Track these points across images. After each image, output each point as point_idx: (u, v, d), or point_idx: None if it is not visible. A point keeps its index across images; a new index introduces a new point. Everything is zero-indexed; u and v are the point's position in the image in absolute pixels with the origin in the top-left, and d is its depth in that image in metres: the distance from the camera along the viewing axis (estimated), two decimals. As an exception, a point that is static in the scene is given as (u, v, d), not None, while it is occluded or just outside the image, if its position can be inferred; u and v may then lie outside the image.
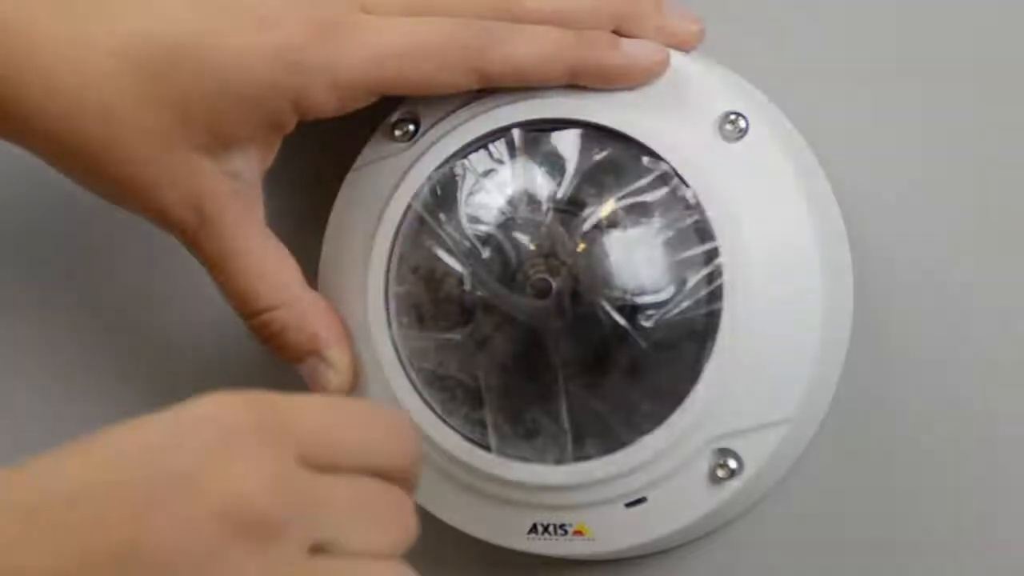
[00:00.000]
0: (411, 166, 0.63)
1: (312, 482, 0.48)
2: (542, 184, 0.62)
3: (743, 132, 0.61)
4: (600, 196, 0.61)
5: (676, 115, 0.61)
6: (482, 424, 0.62)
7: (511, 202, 0.62)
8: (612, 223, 0.61)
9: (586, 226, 0.61)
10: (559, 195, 0.61)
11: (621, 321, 0.60)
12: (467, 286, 0.61)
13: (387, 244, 0.63)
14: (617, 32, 0.61)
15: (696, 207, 0.60)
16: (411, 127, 0.64)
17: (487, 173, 0.62)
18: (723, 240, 0.60)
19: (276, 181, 0.67)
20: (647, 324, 0.60)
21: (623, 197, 0.61)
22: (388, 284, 0.63)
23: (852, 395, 0.64)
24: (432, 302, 0.62)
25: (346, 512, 0.49)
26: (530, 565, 0.66)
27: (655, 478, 0.61)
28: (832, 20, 0.64)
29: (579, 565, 0.67)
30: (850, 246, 0.64)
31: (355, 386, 0.63)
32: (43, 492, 0.46)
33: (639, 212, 0.61)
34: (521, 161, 0.62)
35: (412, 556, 0.69)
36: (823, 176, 0.64)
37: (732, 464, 0.61)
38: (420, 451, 0.53)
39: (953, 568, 0.65)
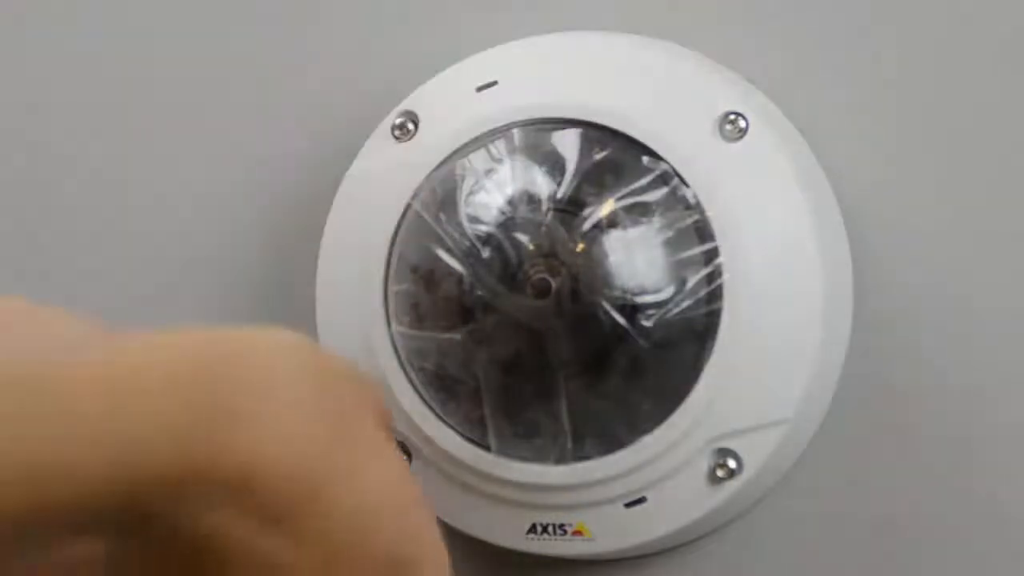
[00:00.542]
0: (410, 165, 0.63)
1: None
2: (542, 184, 0.61)
3: (743, 132, 0.61)
4: (600, 196, 0.61)
5: (676, 115, 0.61)
6: (482, 424, 0.61)
7: (511, 202, 0.62)
8: (612, 223, 0.61)
9: (586, 226, 0.61)
10: (559, 195, 0.61)
11: (621, 321, 0.60)
12: (467, 286, 0.61)
13: (386, 243, 0.63)
14: None
15: (696, 207, 0.60)
16: (411, 127, 0.64)
17: (487, 173, 0.62)
18: (723, 240, 0.60)
19: (275, 180, 0.67)
20: (647, 324, 0.60)
21: (623, 197, 0.61)
22: (387, 283, 0.63)
23: (852, 395, 0.64)
24: (432, 301, 0.62)
25: None
26: (529, 565, 0.66)
27: (655, 478, 0.61)
28: (832, 20, 0.64)
29: (578, 565, 0.67)
30: (850, 246, 0.64)
31: None
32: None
33: (639, 212, 0.61)
34: (521, 161, 0.62)
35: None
36: (823, 176, 0.64)
37: (732, 464, 0.61)
38: None
39: (953, 568, 0.65)
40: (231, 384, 0.44)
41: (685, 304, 0.60)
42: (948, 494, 0.64)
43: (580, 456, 0.61)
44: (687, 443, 0.60)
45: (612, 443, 0.61)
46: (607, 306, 0.60)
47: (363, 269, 0.63)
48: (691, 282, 0.60)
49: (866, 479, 0.65)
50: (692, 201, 0.60)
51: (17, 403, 0.42)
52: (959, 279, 0.64)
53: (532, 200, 0.61)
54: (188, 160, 0.71)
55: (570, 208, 0.61)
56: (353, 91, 0.68)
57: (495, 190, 0.62)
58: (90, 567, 0.46)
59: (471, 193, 0.62)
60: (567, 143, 0.62)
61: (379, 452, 0.47)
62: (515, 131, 0.62)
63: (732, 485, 0.61)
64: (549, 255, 0.61)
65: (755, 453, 0.61)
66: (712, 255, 0.60)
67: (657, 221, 0.60)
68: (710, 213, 0.60)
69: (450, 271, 0.62)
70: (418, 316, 0.62)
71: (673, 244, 0.60)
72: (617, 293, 0.60)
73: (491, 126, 0.62)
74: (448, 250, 0.62)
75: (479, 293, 0.61)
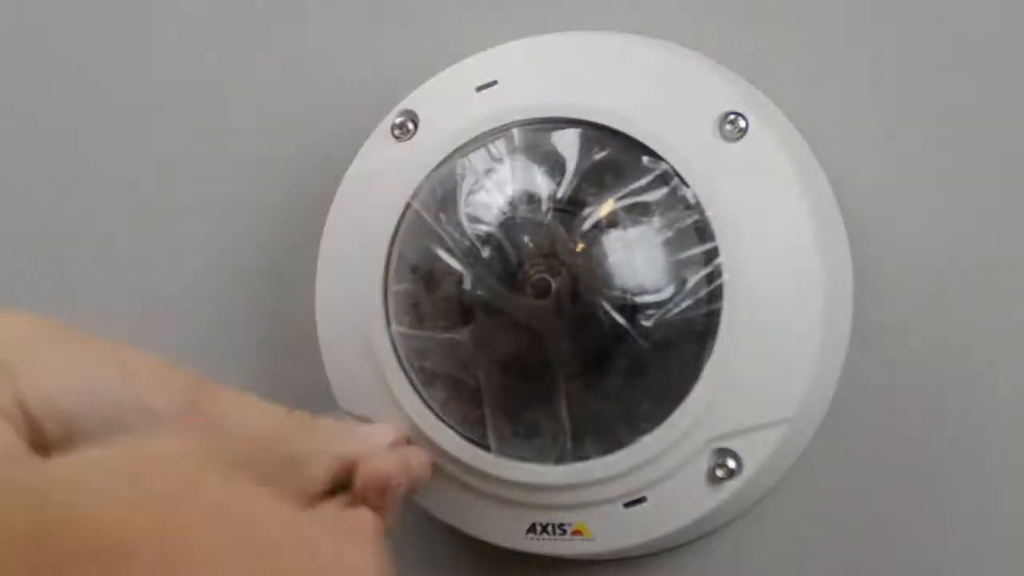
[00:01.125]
0: (410, 165, 0.63)
1: None
2: (542, 183, 0.61)
3: (743, 132, 0.61)
4: (600, 196, 0.61)
5: (676, 115, 0.61)
6: (481, 424, 0.61)
7: (511, 201, 0.62)
8: (612, 223, 0.61)
9: (586, 226, 0.61)
10: (559, 195, 0.61)
11: (621, 321, 0.60)
12: (467, 285, 0.61)
13: (386, 243, 0.63)
14: None
15: (696, 207, 0.60)
16: (411, 126, 0.64)
17: (487, 172, 0.62)
18: (723, 240, 0.60)
19: (275, 180, 0.67)
20: (647, 324, 0.60)
21: (623, 197, 0.61)
22: (387, 283, 0.63)
23: (852, 395, 0.64)
24: (431, 301, 0.62)
25: None
26: (529, 565, 0.66)
27: (654, 478, 0.61)
28: (832, 20, 0.64)
29: (578, 565, 0.67)
30: (850, 246, 0.64)
31: None
32: None
33: (639, 212, 0.61)
34: (521, 160, 0.62)
35: (411, 555, 0.69)
36: (823, 176, 0.64)
37: (731, 464, 0.61)
38: None
39: (953, 567, 0.65)
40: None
41: (685, 304, 0.60)
42: (948, 494, 0.64)
43: (580, 456, 0.61)
44: (687, 443, 0.60)
45: (612, 443, 0.61)
46: (607, 306, 0.60)
47: (363, 269, 0.63)
48: (691, 282, 0.60)
49: (866, 479, 0.65)
50: (692, 201, 0.60)
51: None
52: (959, 279, 0.64)
53: (532, 200, 0.61)
54: (187, 160, 0.71)
55: (570, 208, 0.61)
56: (353, 91, 0.69)
57: (495, 190, 0.62)
58: None
59: (471, 193, 0.62)
60: (567, 143, 0.62)
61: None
62: (515, 131, 0.62)
63: (732, 485, 0.61)
64: (549, 255, 0.61)
65: (755, 453, 0.61)
66: (712, 255, 0.60)
67: (657, 221, 0.60)
68: (710, 213, 0.60)
69: (450, 271, 0.61)
70: (418, 316, 0.62)
71: (673, 244, 0.60)
72: (617, 293, 0.60)
73: (491, 126, 0.62)
74: (448, 250, 0.62)
75: (479, 293, 0.61)
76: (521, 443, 0.61)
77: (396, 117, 0.64)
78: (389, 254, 0.63)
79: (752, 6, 0.65)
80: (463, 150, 0.62)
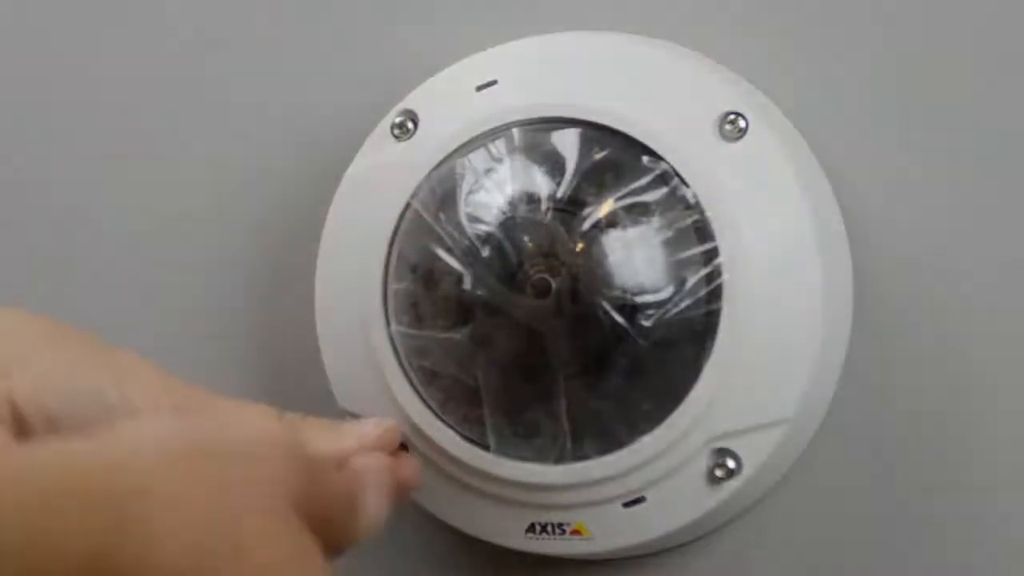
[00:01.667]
0: (410, 165, 0.63)
1: None
2: (542, 183, 0.61)
3: (743, 132, 0.61)
4: (600, 195, 0.61)
5: (676, 115, 0.61)
6: (481, 423, 0.61)
7: (511, 201, 0.62)
8: (612, 222, 0.61)
9: (586, 225, 0.61)
10: (559, 194, 0.61)
11: (620, 321, 0.60)
12: (466, 285, 0.61)
13: (386, 242, 0.63)
14: None
15: (696, 207, 0.60)
16: (411, 126, 0.64)
17: (487, 172, 0.62)
18: (722, 240, 0.60)
19: (275, 179, 0.67)
20: (646, 324, 0.60)
21: (623, 196, 0.61)
22: (387, 282, 0.63)
23: (852, 395, 0.64)
24: (431, 301, 0.62)
25: None
26: (528, 564, 0.66)
27: (654, 478, 0.61)
28: (832, 20, 0.64)
29: (577, 565, 0.67)
30: (850, 246, 0.64)
31: None
32: None
33: (639, 212, 0.61)
34: (521, 160, 0.62)
35: (411, 554, 0.69)
36: (823, 176, 0.64)
37: (731, 464, 0.61)
38: None
39: (953, 568, 0.65)
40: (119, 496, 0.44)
41: (684, 304, 0.60)
42: (948, 494, 0.64)
43: (579, 456, 0.61)
44: (686, 443, 0.60)
45: (611, 443, 0.61)
46: (607, 306, 0.60)
47: (362, 268, 0.63)
48: (690, 282, 0.60)
49: (866, 479, 0.65)
50: (692, 201, 0.60)
51: None
52: (959, 279, 0.64)
53: (532, 200, 0.61)
54: (187, 160, 0.71)
55: (570, 208, 0.61)
56: (353, 90, 0.69)
57: (495, 189, 0.62)
58: None
59: (471, 192, 0.62)
60: (567, 143, 0.62)
61: (267, 532, 0.46)
62: (515, 130, 0.62)
63: (731, 485, 0.61)
64: (549, 255, 0.61)
65: (755, 453, 0.61)
66: (712, 255, 0.60)
67: (657, 221, 0.60)
68: (710, 213, 0.60)
69: (449, 270, 0.62)
70: (417, 315, 0.62)
71: (673, 244, 0.60)
72: (617, 293, 0.60)
73: (491, 125, 0.62)
74: (448, 249, 0.62)
75: (479, 293, 0.61)
76: (520, 443, 0.61)
77: (396, 117, 0.64)
78: (389, 254, 0.63)
79: (752, 6, 0.65)
80: (463, 150, 0.62)
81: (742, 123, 0.61)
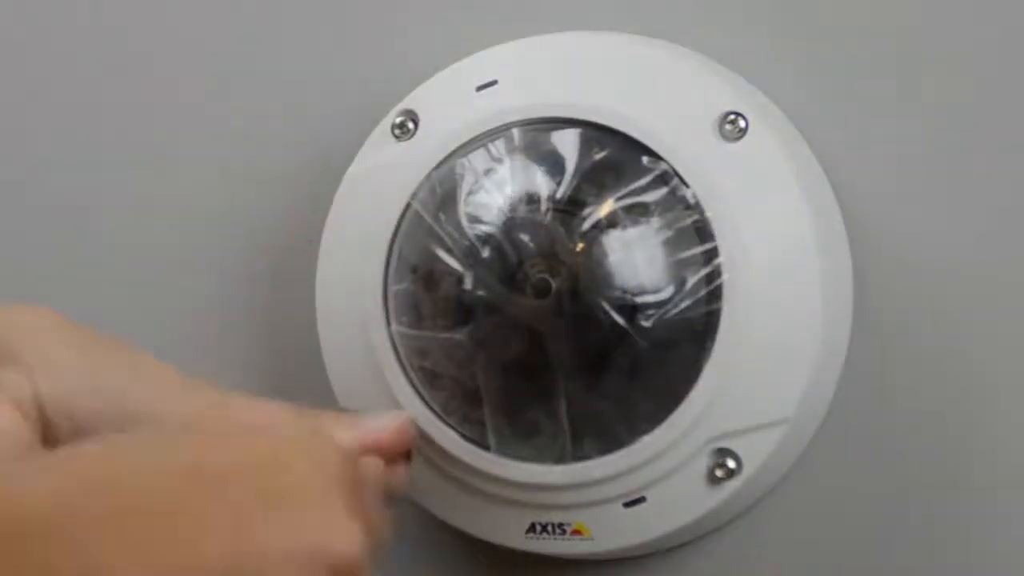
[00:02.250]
0: (410, 165, 0.63)
1: None
2: (542, 183, 0.61)
3: (743, 132, 0.61)
4: (600, 196, 0.61)
5: (676, 115, 0.61)
6: (481, 423, 0.61)
7: (511, 201, 0.62)
8: (612, 223, 0.61)
9: (586, 226, 0.61)
10: (559, 195, 0.61)
11: (620, 321, 0.60)
12: (466, 285, 0.61)
13: (386, 242, 0.62)
14: None
15: (696, 207, 0.60)
16: (411, 125, 0.64)
17: (487, 172, 0.62)
18: (722, 240, 0.60)
19: (275, 180, 0.67)
20: (646, 324, 0.60)
21: (622, 197, 0.61)
22: (387, 282, 0.63)
23: (852, 395, 0.64)
24: (431, 301, 0.62)
25: None
26: (528, 564, 0.66)
27: (654, 478, 0.61)
28: (832, 20, 0.64)
29: (578, 565, 0.67)
30: (850, 246, 0.64)
31: None
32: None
33: (639, 212, 0.61)
34: (521, 160, 0.62)
35: (411, 555, 0.69)
36: (823, 176, 0.64)
37: (731, 464, 0.61)
38: None
39: (953, 568, 0.65)
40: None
41: (684, 304, 0.60)
42: (948, 494, 0.64)
43: (579, 456, 0.61)
44: (686, 443, 0.60)
45: (611, 443, 0.61)
46: (607, 306, 0.60)
47: (363, 268, 0.63)
48: (690, 282, 0.60)
49: (866, 479, 0.65)
50: (692, 201, 0.60)
51: None
52: (959, 279, 0.64)
53: (532, 200, 0.61)
54: (188, 160, 0.71)
55: (570, 208, 0.61)
56: (353, 90, 0.69)
57: (495, 190, 0.62)
58: None
59: (471, 192, 0.62)
60: (567, 143, 0.62)
61: None
62: (515, 130, 0.62)
63: (731, 485, 0.61)
64: (549, 255, 0.61)
65: (755, 453, 0.61)
66: (712, 255, 0.60)
67: (656, 221, 0.60)
68: (709, 213, 0.60)
69: (450, 271, 0.62)
70: (418, 316, 0.62)
71: (673, 244, 0.60)
72: (617, 293, 0.60)
73: (491, 125, 0.62)
74: (448, 250, 0.62)
75: (479, 293, 0.61)
76: (521, 443, 0.61)
77: (396, 117, 0.64)
78: (389, 254, 0.63)
79: (752, 6, 0.65)
80: (463, 150, 0.62)
81: (742, 123, 0.61)
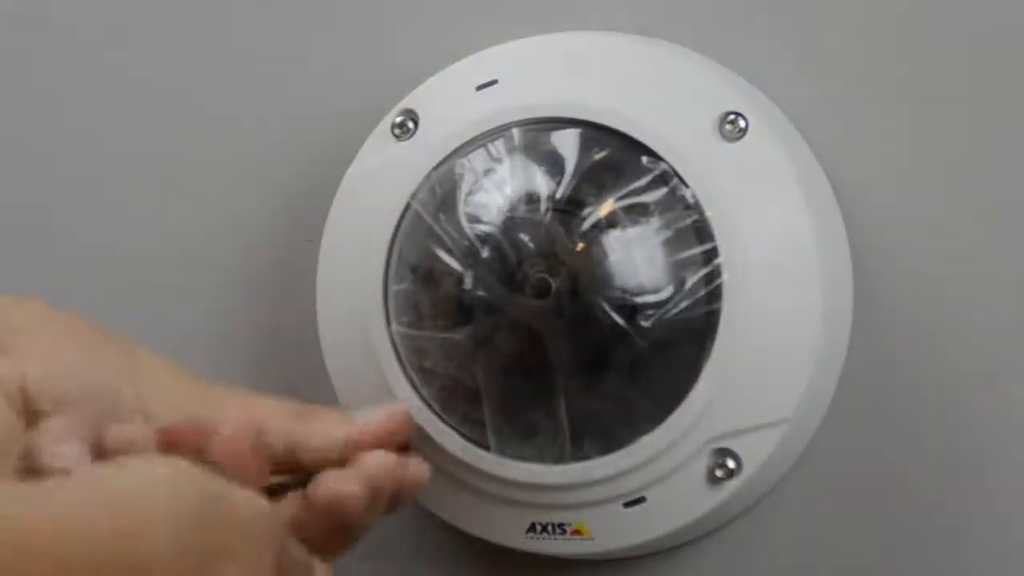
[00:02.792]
0: (410, 164, 0.63)
1: None
2: (541, 183, 0.61)
3: (743, 132, 0.61)
4: (599, 196, 0.61)
5: (676, 115, 0.61)
6: (481, 423, 0.61)
7: (510, 201, 0.62)
8: (611, 223, 0.61)
9: (585, 226, 0.61)
10: (558, 195, 0.61)
11: (620, 321, 0.60)
12: (466, 285, 0.61)
13: (386, 243, 0.63)
14: None
15: (695, 207, 0.60)
16: (411, 125, 0.64)
17: (486, 172, 0.62)
18: (722, 240, 0.60)
19: (275, 180, 0.67)
20: (646, 324, 0.60)
21: (622, 197, 0.61)
22: (387, 282, 0.63)
23: (852, 395, 0.64)
24: (431, 301, 0.62)
25: None
26: (528, 564, 0.66)
27: (654, 478, 0.61)
28: (832, 20, 0.64)
29: (577, 564, 0.67)
30: (850, 246, 0.64)
31: None
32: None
33: (638, 212, 0.61)
34: (520, 160, 0.62)
35: (411, 554, 0.69)
36: (823, 176, 0.64)
37: (731, 464, 0.61)
38: None
39: (953, 567, 0.65)
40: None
41: (684, 304, 0.60)
42: (948, 493, 0.64)
43: (579, 456, 0.61)
44: (686, 443, 0.60)
45: (611, 443, 0.61)
46: (606, 306, 0.60)
47: (363, 268, 0.63)
48: (690, 282, 0.60)
49: (866, 479, 0.65)
50: (691, 201, 0.60)
51: None
52: (959, 278, 0.64)
53: (531, 200, 0.61)
54: (188, 160, 0.71)
55: (569, 208, 0.61)
56: (353, 90, 0.69)
57: (494, 190, 0.62)
58: None
59: (471, 192, 0.62)
60: (566, 143, 0.62)
61: None
62: (514, 130, 0.62)
63: (731, 485, 0.61)
64: (548, 255, 0.61)
65: (754, 453, 0.61)
66: (711, 255, 0.60)
67: (656, 221, 0.60)
68: (709, 213, 0.60)
69: (449, 271, 0.62)
70: (418, 315, 0.62)
71: (672, 244, 0.60)
72: (616, 293, 0.60)
73: (491, 125, 0.62)
74: (448, 250, 0.62)
75: (479, 293, 0.61)
76: (521, 443, 0.61)
77: (396, 116, 0.64)
78: (389, 254, 0.63)
79: (752, 6, 0.65)
80: (463, 150, 0.62)
81: (742, 123, 0.61)
